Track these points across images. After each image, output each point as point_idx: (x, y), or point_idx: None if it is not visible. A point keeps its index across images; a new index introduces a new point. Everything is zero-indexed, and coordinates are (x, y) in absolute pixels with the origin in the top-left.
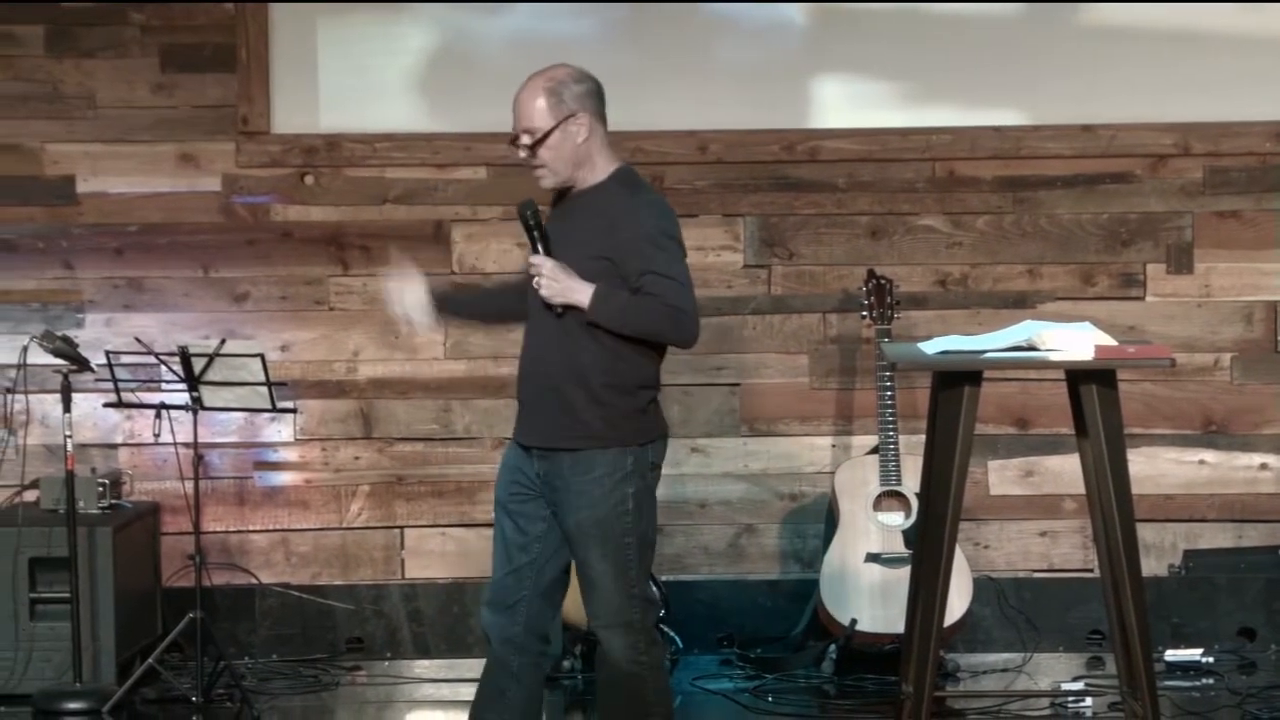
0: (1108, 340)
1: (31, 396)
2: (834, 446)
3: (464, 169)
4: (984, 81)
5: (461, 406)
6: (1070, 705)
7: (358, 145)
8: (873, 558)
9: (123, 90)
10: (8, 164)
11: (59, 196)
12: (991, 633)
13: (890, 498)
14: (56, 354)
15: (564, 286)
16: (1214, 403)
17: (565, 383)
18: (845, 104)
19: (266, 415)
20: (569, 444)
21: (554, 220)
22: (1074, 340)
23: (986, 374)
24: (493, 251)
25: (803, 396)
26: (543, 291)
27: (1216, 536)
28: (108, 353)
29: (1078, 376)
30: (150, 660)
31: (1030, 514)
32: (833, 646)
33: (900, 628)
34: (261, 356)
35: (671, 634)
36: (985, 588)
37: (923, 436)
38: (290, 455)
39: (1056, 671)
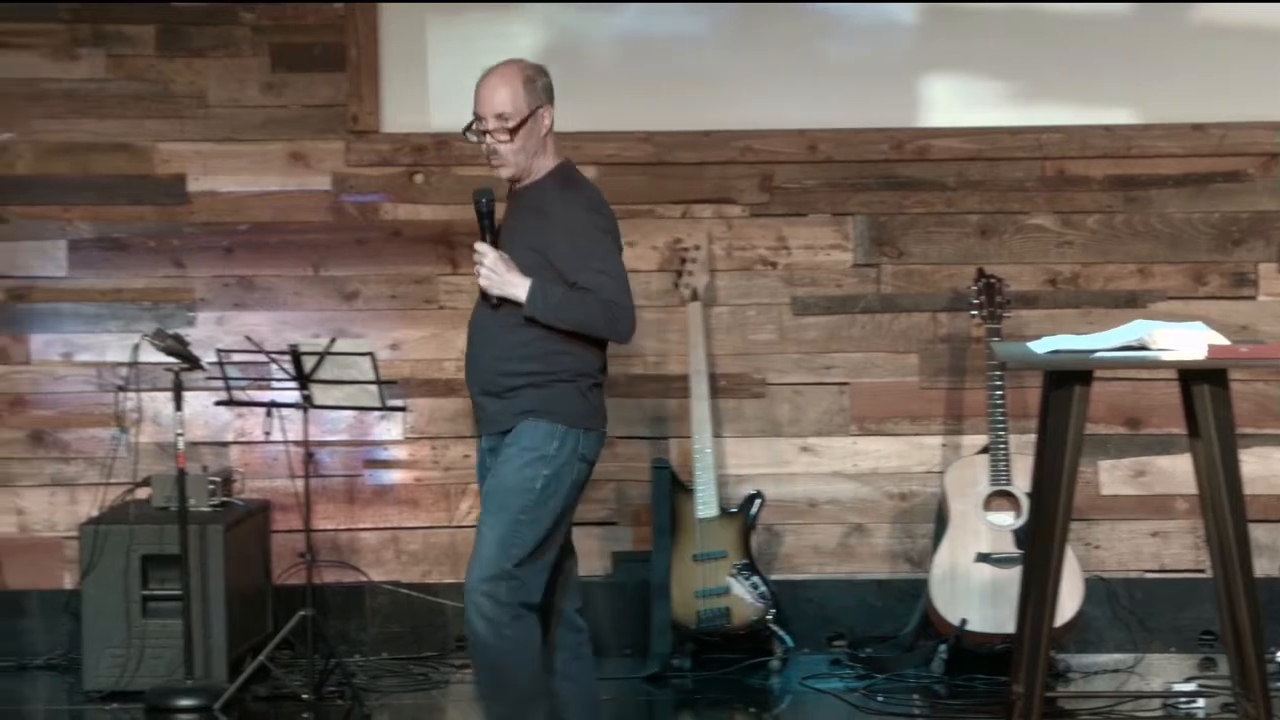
0: (1220, 340)
1: (144, 395)
2: (944, 446)
3: None
4: (1095, 80)
5: None
6: (1182, 706)
7: (467, 144)
8: (983, 558)
9: (233, 89)
10: (119, 163)
11: (170, 195)
12: (1103, 633)
13: (1000, 497)
14: (168, 352)
15: (502, 279)
16: None
17: (505, 373)
18: (955, 102)
19: (376, 414)
20: (509, 424)
21: (509, 200)
22: (1186, 340)
23: (1097, 374)
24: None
25: (912, 396)
26: (481, 281)
27: None
28: (219, 351)
29: (1190, 376)
30: (261, 657)
31: (1141, 514)
32: (943, 646)
33: (1010, 628)
34: (371, 355)
35: (781, 633)
36: (1096, 588)
37: (1033, 436)
38: (400, 453)
39: (1168, 672)
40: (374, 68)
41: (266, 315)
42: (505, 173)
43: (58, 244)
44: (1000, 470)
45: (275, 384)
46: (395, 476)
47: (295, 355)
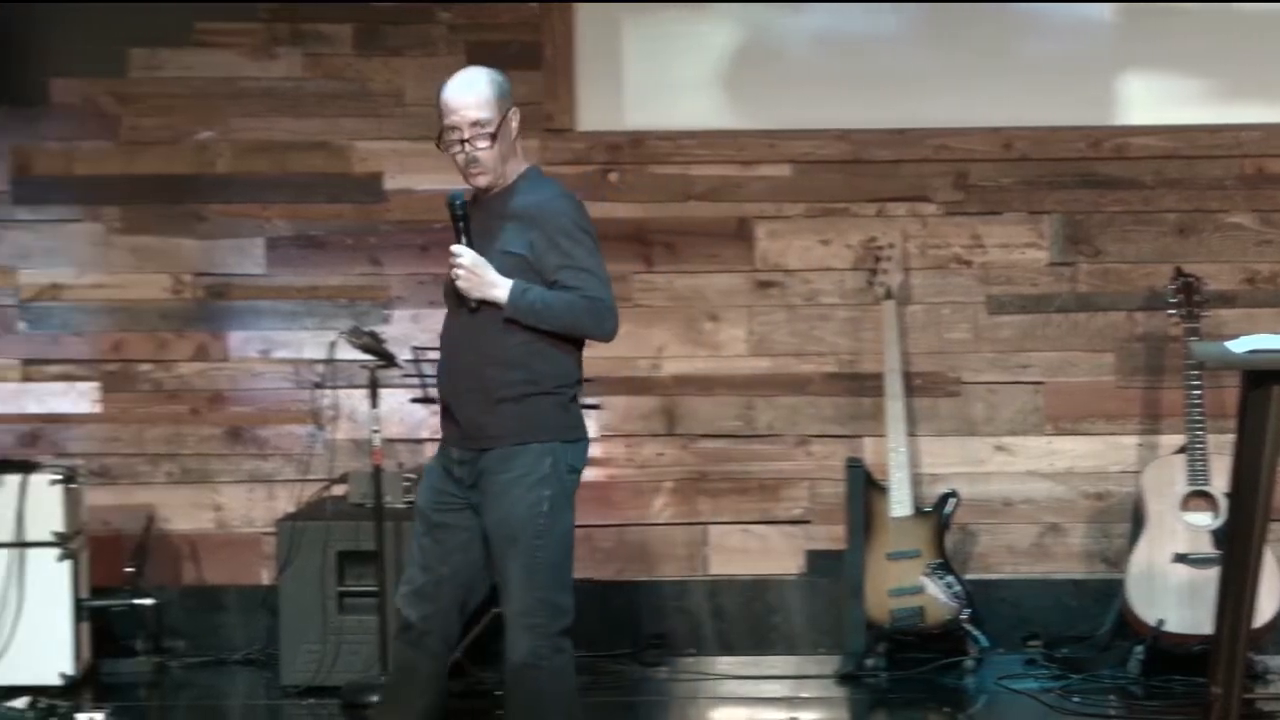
0: None
1: (340, 392)
2: (1140, 445)
3: (767, 166)
4: None
5: (764, 404)
6: None
7: (662, 142)
8: (1180, 558)
9: (430, 88)
10: (317, 161)
11: (367, 194)
12: None
13: (1198, 498)
14: (364, 350)
15: (481, 280)
16: None
17: (483, 381)
18: (1152, 101)
19: None
20: (490, 442)
21: (475, 208)
22: None
23: None
24: (795, 249)
25: (1108, 395)
26: (460, 284)
27: None
28: (414, 348)
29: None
30: (456, 654)
31: None
32: (1139, 647)
33: (1208, 629)
34: None
35: (975, 632)
36: None
37: (1231, 436)
38: (594, 451)
39: None
40: (569, 66)
41: None
42: (484, 180)
43: (256, 242)
44: (1198, 470)
45: None
46: (590, 474)
47: None
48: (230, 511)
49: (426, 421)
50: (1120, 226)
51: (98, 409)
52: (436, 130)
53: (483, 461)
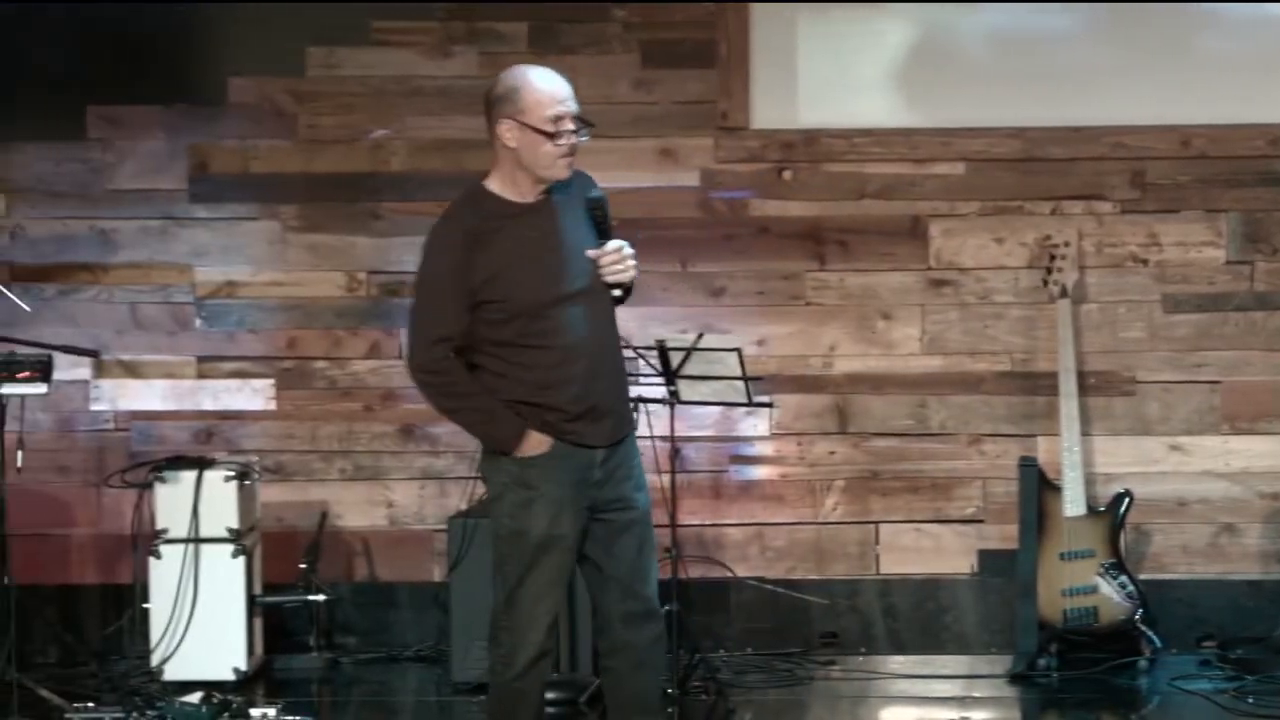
0: None
1: None
2: None
3: (942, 164)
4: None
5: (937, 402)
6: None
7: (836, 140)
8: None
9: (604, 86)
10: (492, 160)
11: None
12: None
13: None
14: None
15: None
16: None
17: (620, 369)
18: None
19: (742, 409)
20: (627, 429)
21: (530, 214)
22: None
23: None
24: (970, 247)
25: None
26: (624, 276)
27: None
28: None
29: None
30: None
31: None
32: None
33: None
34: (738, 350)
35: (1149, 633)
36: None
37: None
38: (766, 449)
39: None
40: (744, 64)
41: (633, 310)
42: (568, 172)
43: None
44: None
45: (642, 379)
46: (761, 472)
47: (662, 350)
48: (402, 508)
49: None
50: None
51: (272, 406)
52: (531, 116)
53: (619, 453)
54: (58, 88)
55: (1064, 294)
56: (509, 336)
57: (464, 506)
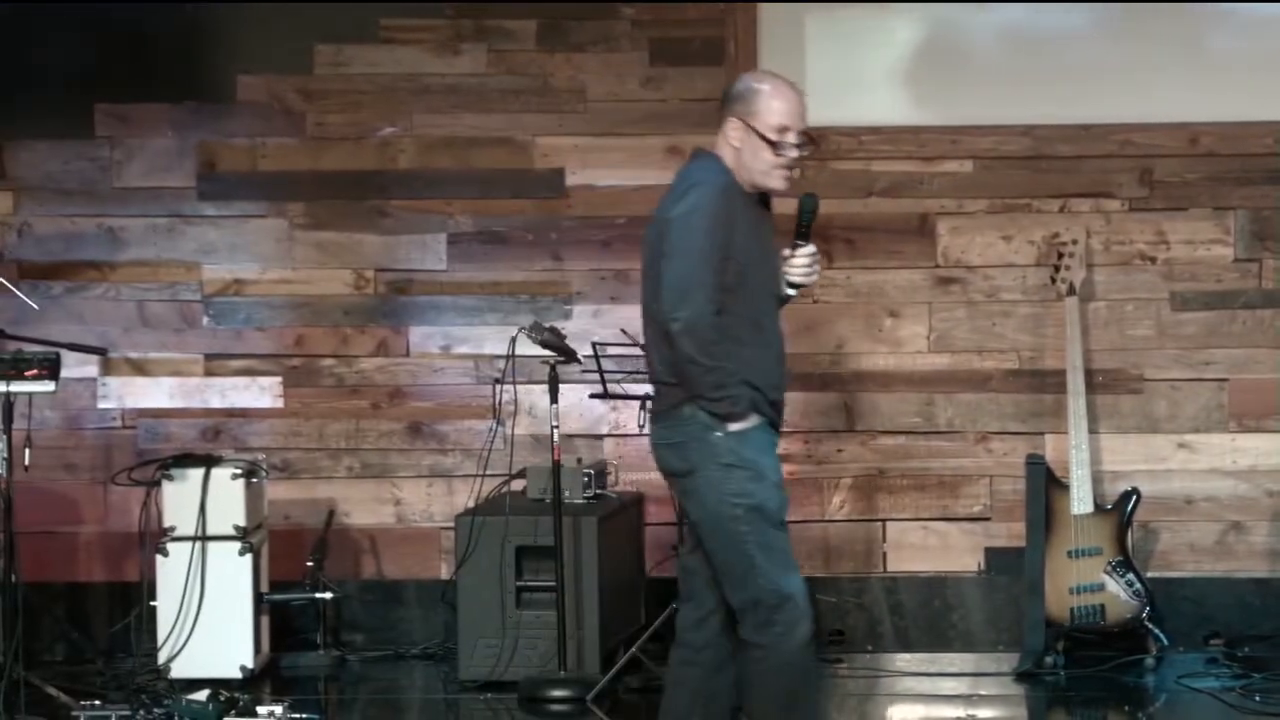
0: None
1: (520, 387)
2: None
3: (950, 162)
4: None
5: (944, 400)
6: None
7: (844, 138)
8: None
9: (612, 84)
10: (500, 157)
11: (548, 189)
12: None
13: None
14: (544, 345)
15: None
16: None
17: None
18: None
19: None
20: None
21: (755, 209)
22: None
23: None
24: (978, 245)
25: None
26: (815, 279)
27: None
28: (594, 344)
29: None
30: (634, 649)
31: None
32: None
33: None
34: None
35: (1156, 631)
36: None
37: None
38: None
39: None
40: (752, 62)
41: (639, 308)
42: (784, 185)
43: (438, 237)
44: None
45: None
46: None
47: None
48: (410, 506)
49: (605, 416)
50: None
51: (279, 403)
52: (758, 121)
53: None
54: (66, 86)
55: (1071, 292)
56: (734, 318)
57: (471, 504)
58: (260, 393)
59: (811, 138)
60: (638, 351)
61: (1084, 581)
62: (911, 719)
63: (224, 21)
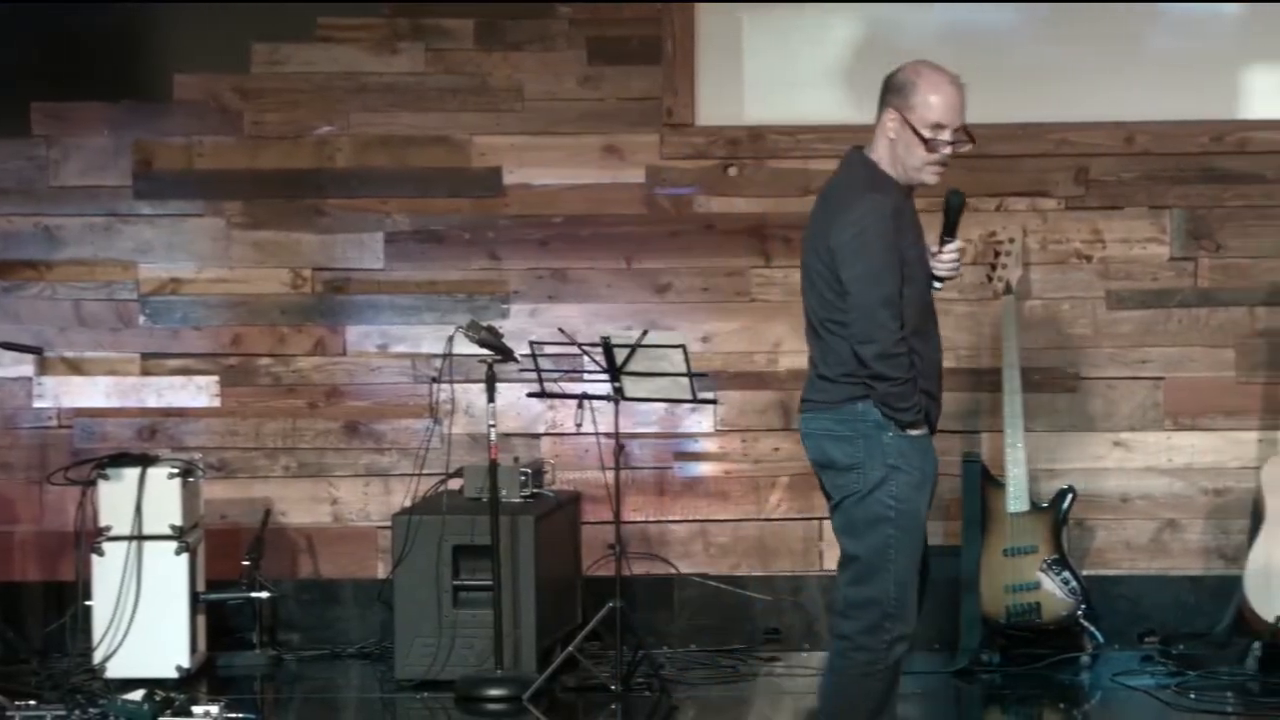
0: None
1: (457, 386)
2: (1260, 441)
3: None
4: None
5: None
6: None
7: (781, 136)
8: None
9: (549, 83)
10: (437, 156)
11: (486, 188)
12: None
13: None
14: (481, 344)
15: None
16: None
17: None
18: (1277, 94)
19: (687, 406)
20: None
21: (909, 203)
22: None
23: None
24: None
25: (1228, 391)
26: (959, 273)
27: None
28: (532, 343)
29: None
30: (570, 648)
31: None
32: (1257, 644)
33: None
34: (683, 347)
35: (1092, 629)
36: None
37: None
38: (710, 446)
39: None
40: (689, 61)
41: (579, 307)
42: (936, 180)
43: (375, 236)
44: None
45: (587, 376)
46: (705, 469)
47: (607, 347)
48: (346, 505)
49: (542, 415)
50: (1242, 221)
51: (216, 403)
52: (914, 116)
53: None
54: (2, 84)
55: (1008, 290)
56: (905, 322)
57: (408, 503)
58: (197, 392)
59: (970, 134)
60: (575, 350)
61: (1020, 580)
62: None
63: (161, 20)
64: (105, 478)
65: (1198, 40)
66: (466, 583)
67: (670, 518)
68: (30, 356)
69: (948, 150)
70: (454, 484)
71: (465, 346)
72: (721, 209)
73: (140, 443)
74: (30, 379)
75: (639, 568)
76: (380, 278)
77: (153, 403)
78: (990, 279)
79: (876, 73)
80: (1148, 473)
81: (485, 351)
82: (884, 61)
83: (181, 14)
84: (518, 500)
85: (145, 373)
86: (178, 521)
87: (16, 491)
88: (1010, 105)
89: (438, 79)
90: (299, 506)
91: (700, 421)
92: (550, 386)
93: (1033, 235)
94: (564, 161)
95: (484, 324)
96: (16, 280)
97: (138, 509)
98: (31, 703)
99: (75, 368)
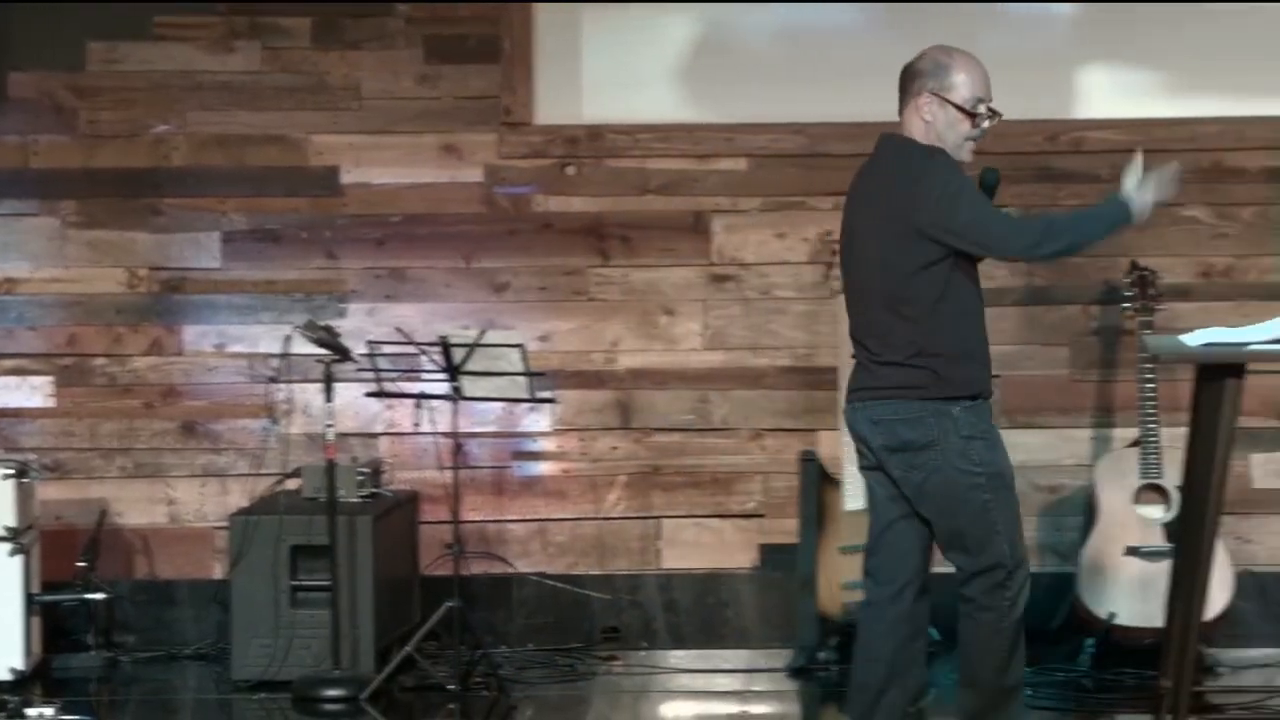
0: None
1: (294, 386)
2: (1093, 439)
3: (725, 160)
4: (1252, 71)
5: (719, 397)
6: None
7: (619, 136)
8: (1132, 551)
9: (387, 81)
10: (273, 155)
11: (323, 187)
12: (1253, 628)
13: (1151, 491)
14: (319, 344)
15: None
16: None
17: None
18: (1110, 94)
19: (525, 405)
20: None
21: None
22: None
23: (1250, 367)
24: (751, 243)
25: (1063, 388)
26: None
27: None
28: (369, 342)
29: None
30: (408, 648)
31: None
32: (1090, 640)
33: (1159, 622)
34: (521, 347)
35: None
36: (1247, 582)
37: (1184, 429)
38: (548, 445)
39: None
40: (527, 60)
41: (417, 307)
42: (970, 158)
43: (212, 235)
44: (1151, 463)
45: (425, 376)
46: (543, 468)
47: (445, 347)
48: (183, 506)
49: (380, 415)
50: None
51: (51, 403)
52: (956, 95)
53: None
54: None
55: None
56: (967, 292)
57: (245, 503)
58: (31, 392)
59: (994, 110)
60: (413, 350)
61: (856, 577)
62: (686, 716)
63: None
64: None
65: (1033, 40)
66: (304, 583)
67: (508, 517)
68: None
69: (987, 124)
70: (292, 484)
71: (303, 346)
72: (560, 208)
73: None
74: None
75: (477, 567)
76: (217, 277)
77: None
78: (826, 278)
79: (714, 73)
80: None
81: (323, 351)
82: (721, 62)
83: (16, 12)
84: (356, 500)
85: None
86: (12, 522)
87: None
88: (846, 104)
89: (275, 78)
90: (135, 507)
91: (538, 421)
92: (388, 386)
93: None
94: (402, 160)
95: (321, 323)
96: None
97: None
98: None
99: None
